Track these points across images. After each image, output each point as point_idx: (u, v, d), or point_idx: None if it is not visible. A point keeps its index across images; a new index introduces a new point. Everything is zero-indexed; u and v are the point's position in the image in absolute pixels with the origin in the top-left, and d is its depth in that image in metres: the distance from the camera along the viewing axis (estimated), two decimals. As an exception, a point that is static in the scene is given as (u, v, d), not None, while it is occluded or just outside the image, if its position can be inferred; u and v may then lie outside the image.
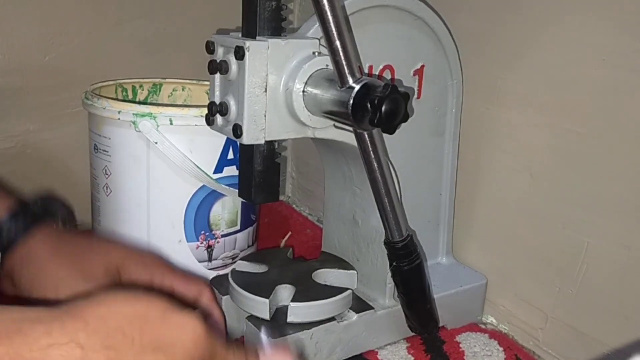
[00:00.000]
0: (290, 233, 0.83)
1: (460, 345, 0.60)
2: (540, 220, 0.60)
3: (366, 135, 0.46)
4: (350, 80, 0.43)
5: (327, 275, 0.58)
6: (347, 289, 0.56)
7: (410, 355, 0.58)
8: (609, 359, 0.55)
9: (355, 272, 0.59)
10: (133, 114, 0.60)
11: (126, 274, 0.53)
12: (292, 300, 0.54)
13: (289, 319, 0.53)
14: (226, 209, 0.65)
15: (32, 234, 0.52)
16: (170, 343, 0.32)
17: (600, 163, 0.54)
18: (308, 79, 0.47)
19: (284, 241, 0.81)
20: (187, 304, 0.52)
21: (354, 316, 0.56)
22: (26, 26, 0.76)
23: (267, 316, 0.53)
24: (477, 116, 0.64)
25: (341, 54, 0.43)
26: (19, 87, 0.77)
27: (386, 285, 0.57)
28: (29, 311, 0.31)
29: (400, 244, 0.52)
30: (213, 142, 0.63)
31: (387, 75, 0.56)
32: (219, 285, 0.58)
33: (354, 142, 0.47)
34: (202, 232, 0.64)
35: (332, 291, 0.56)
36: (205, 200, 0.64)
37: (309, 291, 0.55)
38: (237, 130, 0.47)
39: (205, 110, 0.51)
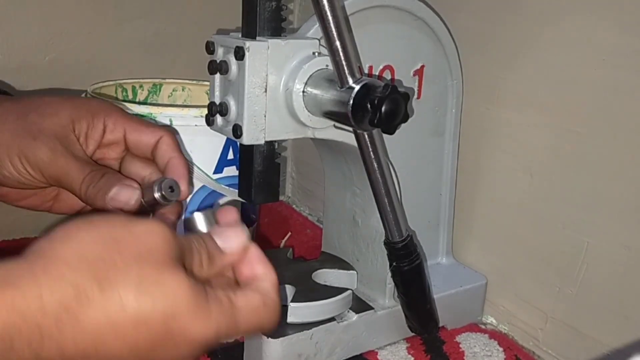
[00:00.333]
0: (290, 233, 0.83)
1: (460, 345, 0.60)
2: (540, 220, 0.60)
3: (366, 136, 0.46)
4: (350, 81, 0.43)
5: (327, 276, 0.58)
6: (347, 289, 0.56)
7: (410, 356, 0.58)
8: (609, 359, 0.55)
9: (355, 272, 0.59)
10: (133, 114, 0.59)
11: (78, 130, 0.47)
12: (292, 301, 0.54)
13: (289, 319, 0.53)
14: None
15: None
16: (148, 251, 0.32)
17: (600, 163, 0.54)
18: (308, 79, 0.47)
19: (283, 241, 0.81)
20: (142, 155, 0.49)
21: (354, 316, 0.56)
22: (26, 26, 0.76)
23: (267, 316, 0.53)
24: (477, 116, 0.64)
25: (341, 54, 0.43)
26: (19, 87, 0.77)
27: (386, 286, 0.57)
28: (5, 265, 0.30)
29: (400, 244, 0.52)
30: (213, 143, 0.63)
31: (387, 75, 0.56)
32: (219, 285, 0.58)
33: (354, 143, 0.47)
34: (202, 232, 0.64)
35: (332, 291, 0.56)
36: (205, 200, 0.64)
37: (308, 291, 0.55)
38: (237, 130, 0.47)
39: (205, 111, 0.51)
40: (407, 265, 0.52)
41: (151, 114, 0.59)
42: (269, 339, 0.51)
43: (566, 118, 0.57)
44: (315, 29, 0.49)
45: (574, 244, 0.57)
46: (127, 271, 0.31)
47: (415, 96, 0.58)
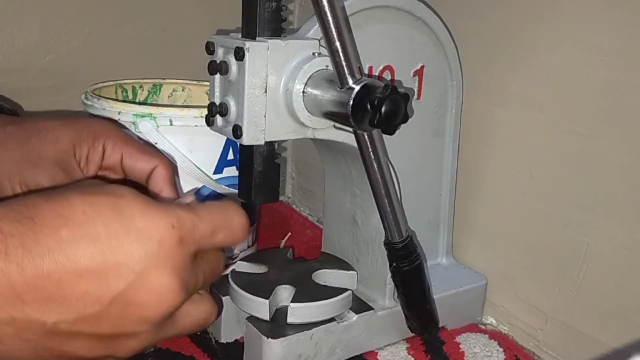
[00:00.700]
0: (290, 233, 0.83)
1: (460, 345, 0.60)
2: (540, 220, 0.60)
3: (366, 136, 0.46)
4: (350, 81, 0.43)
5: (327, 276, 0.58)
6: (347, 289, 0.56)
7: (410, 356, 0.58)
8: (609, 359, 0.55)
9: (355, 272, 0.59)
10: (133, 114, 0.60)
11: (79, 155, 0.48)
12: (292, 301, 0.54)
13: (289, 319, 0.53)
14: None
15: None
16: (144, 228, 0.32)
17: (600, 163, 0.54)
18: (308, 79, 0.47)
19: (283, 242, 0.81)
20: (137, 181, 0.49)
21: (353, 317, 0.56)
22: (26, 26, 0.76)
23: (267, 317, 0.53)
24: (477, 117, 0.64)
25: (341, 54, 0.43)
26: (19, 87, 0.77)
27: (386, 286, 0.57)
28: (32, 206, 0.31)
29: (400, 245, 0.52)
30: (213, 143, 0.63)
31: (387, 76, 0.56)
32: (218, 285, 0.58)
33: (354, 143, 0.47)
34: (202, 232, 0.64)
35: (332, 292, 0.56)
36: (205, 200, 0.63)
37: (308, 292, 0.55)
38: (237, 130, 0.47)
39: (205, 111, 0.51)
40: (407, 265, 0.52)
41: (151, 114, 0.59)
42: (269, 339, 0.51)
43: (566, 118, 0.57)
44: (315, 30, 0.49)
45: (574, 244, 0.57)
46: (122, 239, 0.32)
47: (415, 97, 0.58)
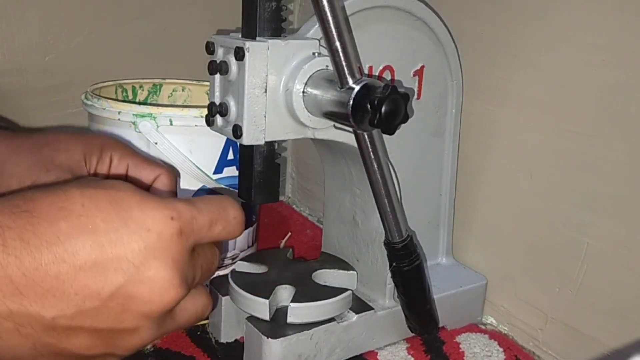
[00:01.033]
0: (290, 233, 0.83)
1: (460, 345, 0.60)
2: (540, 220, 0.60)
3: (366, 136, 0.46)
4: (350, 81, 0.43)
5: (327, 276, 0.58)
6: (347, 289, 0.56)
7: (410, 356, 0.58)
8: (609, 359, 0.55)
9: (355, 272, 0.59)
10: (133, 114, 0.60)
11: (89, 165, 0.49)
12: (292, 301, 0.54)
13: (289, 319, 0.53)
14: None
15: None
16: (143, 220, 0.32)
17: (600, 163, 0.54)
18: (308, 79, 0.47)
19: (283, 242, 0.81)
20: (134, 180, 0.50)
21: (353, 317, 0.56)
22: (26, 26, 0.76)
23: (267, 317, 0.53)
24: (477, 116, 0.64)
25: (341, 54, 0.43)
26: (19, 87, 0.77)
27: (386, 286, 0.57)
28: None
29: (400, 245, 0.52)
30: (213, 143, 0.63)
31: (387, 76, 0.56)
32: (218, 285, 0.58)
33: (354, 143, 0.47)
34: (202, 232, 0.64)
35: (332, 292, 0.56)
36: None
37: (308, 292, 0.55)
38: (237, 130, 0.47)
39: (205, 111, 0.51)
40: (407, 265, 0.52)
41: (151, 114, 0.59)
42: (269, 339, 0.51)
43: (566, 118, 0.57)
44: (315, 30, 0.49)
45: (574, 244, 0.57)
46: (122, 231, 0.32)
47: (415, 97, 0.58)
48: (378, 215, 0.51)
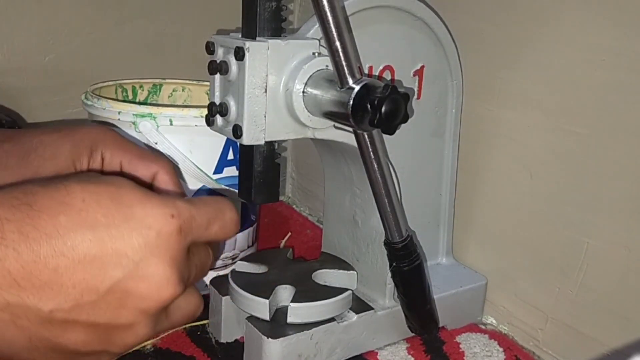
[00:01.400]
0: (290, 233, 0.83)
1: (460, 345, 0.60)
2: (540, 220, 0.60)
3: (366, 136, 0.46)
4: (350, 81, 0.43)
5: (327, 276, 0.58)
6: (347, 289, 0.56)
7: (410, 356, 0.58)
8: (609, 359, 0.55)
9: (355, 272, 0.59)
10: (133, 114, 0.60)
11: (79, 167, 0.48)
12: (292, 301, 0.54)
13: (289, 319, 0.53)
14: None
15: None
16: (143, 217, 0.32)
17: (600, 163, 0.54)
18: (308, 79, 0.47)
19: (283, 242, 0.81)
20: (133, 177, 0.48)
21: (353, 317, 0.56)
22: (26, 26, 0.76)
23: (267, 317, 0.53)
24: (477, 116, 0.64)
25: (341, 54, 0.43)
26: (19, 87, 0.77)
27: (386, 286, 0.57)
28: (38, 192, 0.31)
29: (400, 245, 0.52)
30: (213, 143, 0.63)
31: (387, 75, 0.56)
32: (219, 285, 0.58)
33: (354, 143, 0.47)
34: (202, 232, 0.64)
35: (332, 292, 0.56)
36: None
37: (309, 292, 0.55)
38: (237, 130, 0.47)
39: (205, 111, 0.51)
40: (407, 265, 0.52)
41: (151, 114, 0.59)
42: (269, 339, 0.51)
43: (566, 118, 0.57)
44: (315, 30, 0.49)
45: (574, 244, 0.57)
46: (122, 229, 0.32)
47: (415, 96, 0.58)
48: (378, 215, 0.51)
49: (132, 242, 0.31)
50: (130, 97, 0.76)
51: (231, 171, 0.64)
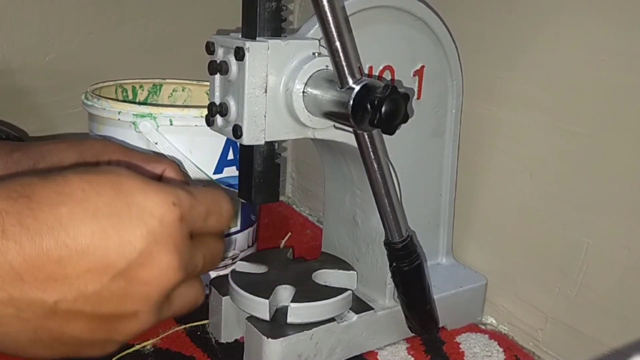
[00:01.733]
0: (290, 233, 0.83)
1: (460, 345, 0.60)
2: (540, 220, 0.60)
3: (366, 136, 0.46)
4: (350, 81, 0.43)
5: (327, 276, 0.58)
6: (347, 289, 0.56)
7: (410, 356, 0.58)
8: (609, 359, 0.55)
9: (355, 272, 0.59)
10: (133, 114, 0.60)
11: None
12: (292, 301, 0.54)
13: (289, 319, 0.53)
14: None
15: None
16: (145, 205, 0.32)
17: (600, 163, 0.54)
18: (308, 79, 0.47)
19: (284, 241, 0.81)
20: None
21: (353, 317, 0.56)
22: (26, 26, 0.76)
23: (267, 317, 0.53)
24: (477, 116, 0.64)
25: (341, 54, 0.43)
26: (19, 87, 0.77)
27: (386, 286, 0.57)
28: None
29: (400, 245, 0.52)
30: (213, 143, 0.63)
31: (387, 76, 0.56)
32: (219, 285, 0.58)
33: (354, 143, 0.47)
34: (202, 232, 0.64)
35: (332, 292, 0.56)
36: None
37: (309, 292, 0.55)
38: (237, 130, 0.47)
39: (205, 111, 0.51)
40: (407, 265, 0.52)
41: (151, 114, 0.59)
42: (269, 339, 0.51)
43: (566, 118, 0.57)
44: (315, 30, 0.49)
45: (574, 244, 0.57)
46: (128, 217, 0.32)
47: (415, 96, 0.58)
48: (378, 215, 0.51)
49: (135, 230, 0.31)
50: (130, 97, 0.76)
51: (231, 171, 0.64)
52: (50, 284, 0.30)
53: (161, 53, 0.85)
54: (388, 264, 0.54)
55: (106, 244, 0.31)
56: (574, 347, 0.58)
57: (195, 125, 0.60)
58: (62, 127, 0.80)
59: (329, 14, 0.42)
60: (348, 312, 0.56)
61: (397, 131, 0.44)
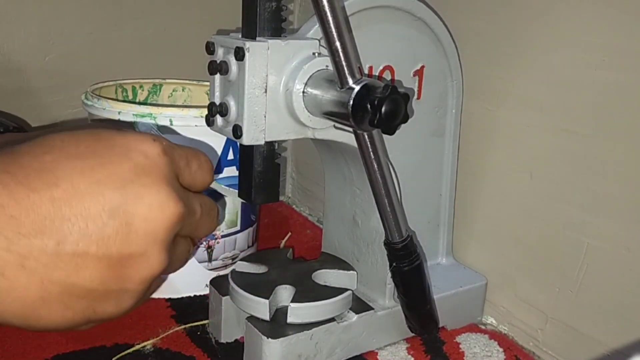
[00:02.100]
0: (290, 233, 0.83)
1: (460, 346, 0.60)
2: (540, 220, 0.60)
3: (366, 136, 0.46)
4: (350, 81, 0.43)
5: (327, 276, 0.58)
6: (347, 289, 0.56)
7: (410, 356, 0.58)
8: (609, 359, 0.55)
9: (355, 272, 0.59)
10: (133, 114, 0.60)
11: None
12: (292, 301, 0.54)
13: (289, 319, 0.53)
14: (226, 210, 0.65)
15: None
16: (126, 144, 0.32)
17: (600, 163, 0.54)
18: (308, 79, 0.47)
19: (284, 241, 0.81)
20: None
21: (353, 317, 0.56)
22: (26, 26, 0.76)
23: (267, 317, 0.53)
24: (477, 116, 0.64)
25: (341, 54, 0.43)
26: (19, 87, 0.77)
27: (386, 286, 0.57)
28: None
29: (400, 245, 0.52)
30: (213, 143, 0.63)
31: (387, 76, 0.56)
32: (219, 285, 0.58)
33: (354, 143, 0.47)
34: (202, 232, 0.64)
35: (332, 292, 0.56)
36: (205, 200, 0.63)
37: (309, 292, 0.55)
38: (237, 130, 0.47)
39: (205, 111, 0.51)
40: (407, 265, 0.52)
41: (151, 114, 0.59)
42: (269, 339, 0.51)
43: (566, 118, 0.57)
44: (315, 30, 0.49)
45: (574, 244, 0.57)
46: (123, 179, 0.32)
47: (415, 97, 0.58)
48: (378, 215, 0.51)
49: (122, 166, 0.31)
50: (130, 97, 0.76)
51: (231, 171, 0.64)
52: (48, 226, 0.29)
53: (161, 53, 0.85)
54: (388, 264, 0.54)
55: (97, 180, 0.30)
56: (574, 347, 0.58)
57: (195, 125, 0.60)
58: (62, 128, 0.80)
59: (329, 14, 0.42)
60: (348, 312, 0.56)
61: (397, 131, 0.44)
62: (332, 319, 0.55)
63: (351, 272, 0.59)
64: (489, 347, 0.60)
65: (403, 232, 0.51)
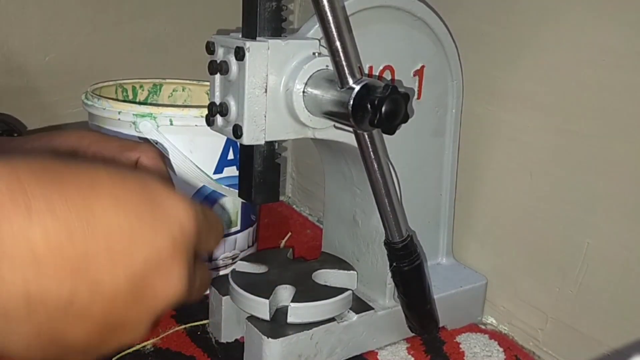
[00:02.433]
0: (290, 233, 0.83)
1: (460, 345, 0.60)
2: (540, 220, 0.60)
3: (366, 136, 0.46)
4: (351, 81, 0.43)
5: (327, 276, 0.58)
6: (347, 289, 0.56)
7: (410, 356, 0.58)
8: (609, 359, 0.55)
9: (355, 272, 0.59)
10: (133, 114, 0.60)
11: None
12: (292, 301, 0.54)
13: (289, 319, 0.53)
14: (226, 210, 0.65)
15: None
16: (170, 210, 0.30)
17: (600, 163, 0.54)
18: (308, 79, 0.47)
19: (284, 241, 0.81)
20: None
21: (354, 317, 0.56)
22: (26, 26, 0.76)
23: (267, 317, 0.53)
24: (477, 116, 0.64)
25: (341, 54, 0.43)
26: (19, 87, 0.77)
27: (386, 286, 0.57)
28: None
29: (401, 245, 0.52)
30: (213, 143, 0.63)
31: (387, 75, 0.56)
32: (219, 285, 0.58)
33: (354, 143, 0.47)
34: (202, 232, 0.64)
35: (332, 292, 0.56)
36: (205, 200, 0.64)
37: (309, 292, 0.55)
38: (237, 130, 0.47)
39: (205, 111, 0.51)
40: (407, 265, 0.52)
41: (151, 114, 0.59)
42: (269, 338, 0.51)
43: (566, 118, 0.57)
44: (316, 29, 0.49)
45: (574, 244, 0.57)
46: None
47: (416, 96, 0.58)
48: (378, 215, 0.51)
49: (158, 234, 0.29)
50: (131, 97, 0.76)
51: (231, 171, 0.64)
52: (69, 273, 0.27)
53: (161, 53, 0.85)
54: (388, 264, 0.54)
55: (131, 241, 0.28)
56: (574, 347, 0.58)
57: (196, 125, 0.60)
58: (63, 128, 0.80)
59: (329, 14, 0.42)
60: (348, 312, 0.56)
61: (397, 131, 0.44)
62: (332, 319, 0.55)
63: (351, 271, 0.59)
64: (489, 347, 0.60)
65: (403, 232, 0.51)
